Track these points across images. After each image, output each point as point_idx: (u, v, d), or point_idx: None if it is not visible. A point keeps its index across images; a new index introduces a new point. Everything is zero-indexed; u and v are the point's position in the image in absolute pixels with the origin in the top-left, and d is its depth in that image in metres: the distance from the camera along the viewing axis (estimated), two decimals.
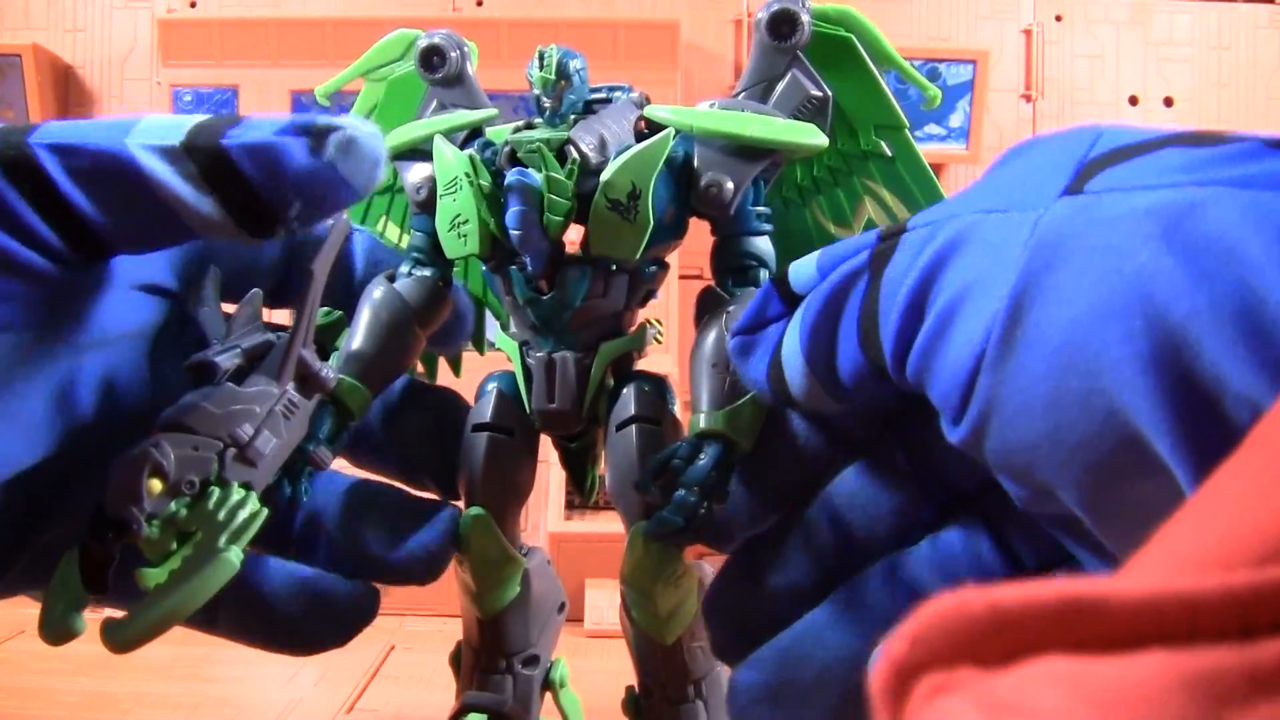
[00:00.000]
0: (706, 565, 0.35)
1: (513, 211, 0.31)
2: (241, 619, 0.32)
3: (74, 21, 0.93)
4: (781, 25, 0.32)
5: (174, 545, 0.25)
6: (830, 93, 0.33)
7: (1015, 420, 0.19)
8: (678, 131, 0.32)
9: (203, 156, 0.24)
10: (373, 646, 0.62)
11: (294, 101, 0.84)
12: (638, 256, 0.31)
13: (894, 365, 0.22)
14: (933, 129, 0.89)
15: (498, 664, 0.37)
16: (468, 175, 0.32)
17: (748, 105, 0.33)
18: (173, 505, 0.25)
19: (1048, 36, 0.94)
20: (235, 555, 0.25)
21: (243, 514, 0.26)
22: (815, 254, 0.25)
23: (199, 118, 0.25)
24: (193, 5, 0.92)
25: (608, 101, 0.34)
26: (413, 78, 0.36)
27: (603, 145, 0.32)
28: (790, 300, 0.26)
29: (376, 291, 0.33)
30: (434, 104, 0.36)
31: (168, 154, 0.24)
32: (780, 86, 0.33)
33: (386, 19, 0.83)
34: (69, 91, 0.93)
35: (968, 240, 0.21)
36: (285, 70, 0.84)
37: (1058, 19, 0.95)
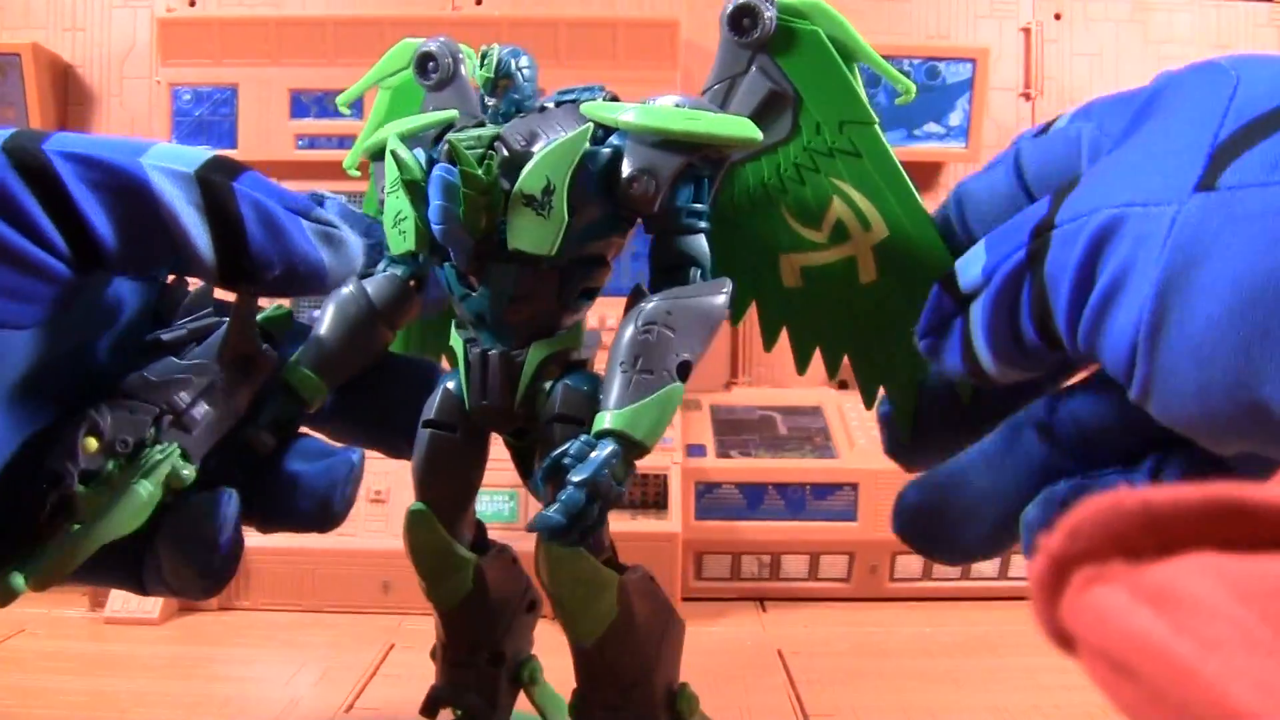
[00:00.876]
0: (643, 568, 0.34)
1: (433, 206, 0.31)
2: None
3: (74, 20, 0.93)
4: (742, 19, 0.32)
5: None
6: (794, 89, 0.32)
7: (1170, 402, 0.21)
8: (612, 130, 0.31)
9: (212, 192, 0.26)
10: (372, 646, 0.62)
11: (293, 100, 0.84)
12: (553, 252, 0.31)
13: (1069, 344, 0.24)
14: (932, 128, 0.88)
15: (462, 658, 0.37)
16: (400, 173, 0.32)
17: (686, 101, 0.32)
18: (110, 465, 0.27)
19: (1047, 35, 0.94)
20: (144, 489, 0.27)
21: (158, 457, 0.28)
22: (977, 253, 0.26)
23: (210, 153, 0.27)
24: (192, 4, 0.92)
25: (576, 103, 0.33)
26: (412, 83, 0.37)
27: (531, 141, 0.31)
28: (960, 298, 0.27)
29: (345, 289, 0.34)
30: (430, 108, 0.37)
31: (180, 178, 0.26)
32: (743, 84, 0.32)
33: (386, 18, 0.83)
34: (68, 90, 0.93)
35: (1113, 234, 0.22)
36: (285, 69, 0.84)
37: (1057, 17, 0.95)
